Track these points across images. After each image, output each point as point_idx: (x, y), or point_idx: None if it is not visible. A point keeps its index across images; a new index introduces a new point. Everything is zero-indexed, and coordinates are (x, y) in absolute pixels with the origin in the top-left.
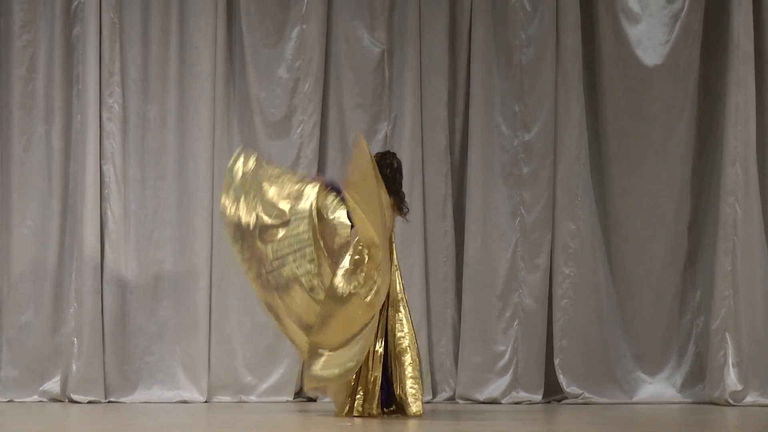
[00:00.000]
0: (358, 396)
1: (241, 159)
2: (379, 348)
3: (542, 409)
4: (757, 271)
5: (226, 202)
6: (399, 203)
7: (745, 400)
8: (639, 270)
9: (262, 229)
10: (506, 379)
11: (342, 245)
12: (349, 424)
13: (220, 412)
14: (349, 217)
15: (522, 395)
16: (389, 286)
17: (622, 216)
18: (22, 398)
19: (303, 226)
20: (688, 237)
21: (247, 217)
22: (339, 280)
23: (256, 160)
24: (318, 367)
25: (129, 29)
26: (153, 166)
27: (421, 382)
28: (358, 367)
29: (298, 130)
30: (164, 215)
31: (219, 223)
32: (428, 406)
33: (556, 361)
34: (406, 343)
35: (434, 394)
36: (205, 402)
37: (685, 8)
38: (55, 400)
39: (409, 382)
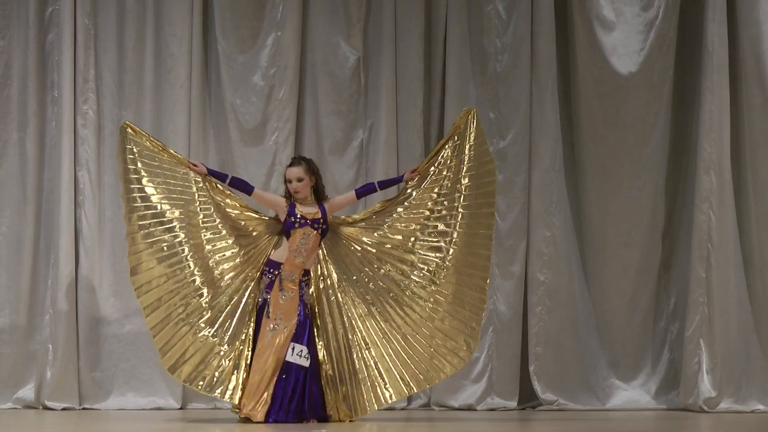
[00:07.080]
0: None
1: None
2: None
3: (517, 415)
4: (730, 278)
5: None
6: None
7: (719, 407)
8: (613, 277)
9: None
10: (481, 385)
11: None
12: (324, 430)
13: (195, 419)
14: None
15: (497, 402)
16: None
17: (597, 223)
18: None
19: None
20: (663, 244)
21: None
22: None
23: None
24: None
25: (104, 36)
26: None
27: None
28: None
29: (273, 137)
30: None
31: None
32: (403, 412)
33: (531, 368)
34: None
35: (409, 401)
36: (180, 409)
37: (660, 16)
38: (29, 407)
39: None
